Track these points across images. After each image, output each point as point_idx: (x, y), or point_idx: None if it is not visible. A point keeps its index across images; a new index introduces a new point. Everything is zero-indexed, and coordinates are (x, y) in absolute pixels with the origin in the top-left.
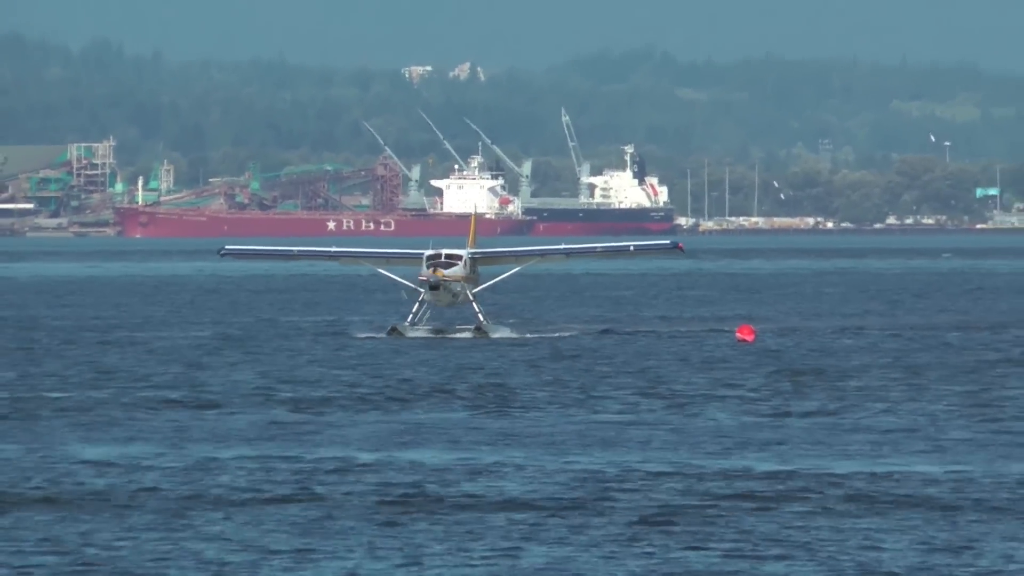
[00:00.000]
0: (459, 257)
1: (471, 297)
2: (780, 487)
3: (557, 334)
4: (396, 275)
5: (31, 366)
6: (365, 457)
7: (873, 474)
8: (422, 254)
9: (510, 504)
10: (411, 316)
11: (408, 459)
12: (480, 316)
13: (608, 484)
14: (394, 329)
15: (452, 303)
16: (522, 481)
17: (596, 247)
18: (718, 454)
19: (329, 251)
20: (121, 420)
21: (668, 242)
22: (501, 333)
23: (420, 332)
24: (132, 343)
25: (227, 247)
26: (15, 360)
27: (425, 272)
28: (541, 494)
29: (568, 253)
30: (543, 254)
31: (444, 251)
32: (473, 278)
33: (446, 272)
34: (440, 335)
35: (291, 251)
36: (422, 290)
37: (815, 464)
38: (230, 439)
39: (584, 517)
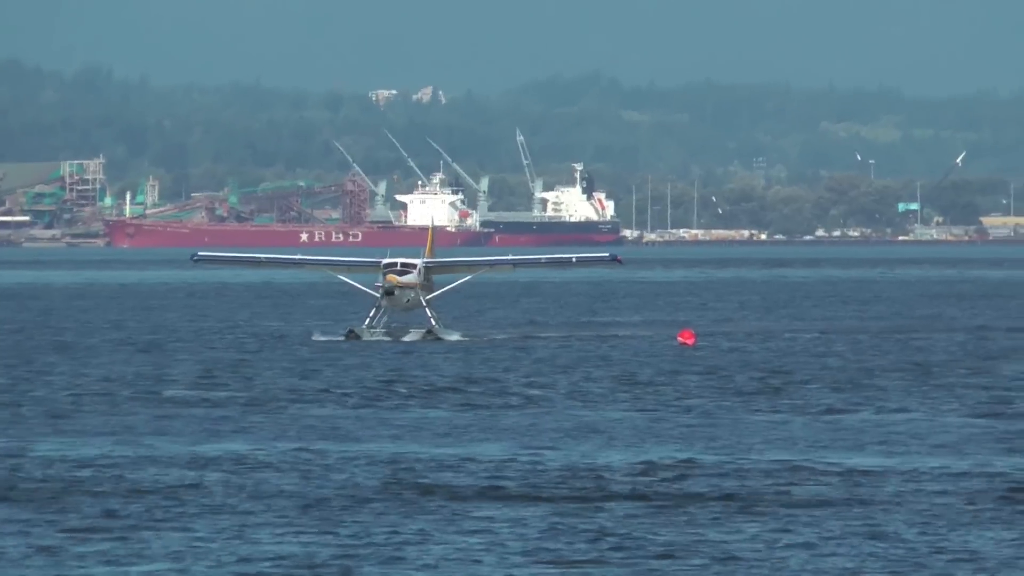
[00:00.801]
0: (413, 266)
1: (424, 303)
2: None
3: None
4: (355, 282)
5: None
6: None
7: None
8: (379, 262)
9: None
10: (368, 320)
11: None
12: (432, 320)
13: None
14: (352, 332)
15: (407, 308)
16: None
17: (541, 258)
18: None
19: (294, 259)
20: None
21: (607, 255)
22: (452, 336)
23: (377, 335)
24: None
25: (200, 253)
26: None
27: (381, 279)
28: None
29: (515, 264)
30: (492, 264)
31: (400, 260)
32: (427, 285)
33: (401, 279)
34: (394, 338)
35: (258, 258)
36: (378, 295)
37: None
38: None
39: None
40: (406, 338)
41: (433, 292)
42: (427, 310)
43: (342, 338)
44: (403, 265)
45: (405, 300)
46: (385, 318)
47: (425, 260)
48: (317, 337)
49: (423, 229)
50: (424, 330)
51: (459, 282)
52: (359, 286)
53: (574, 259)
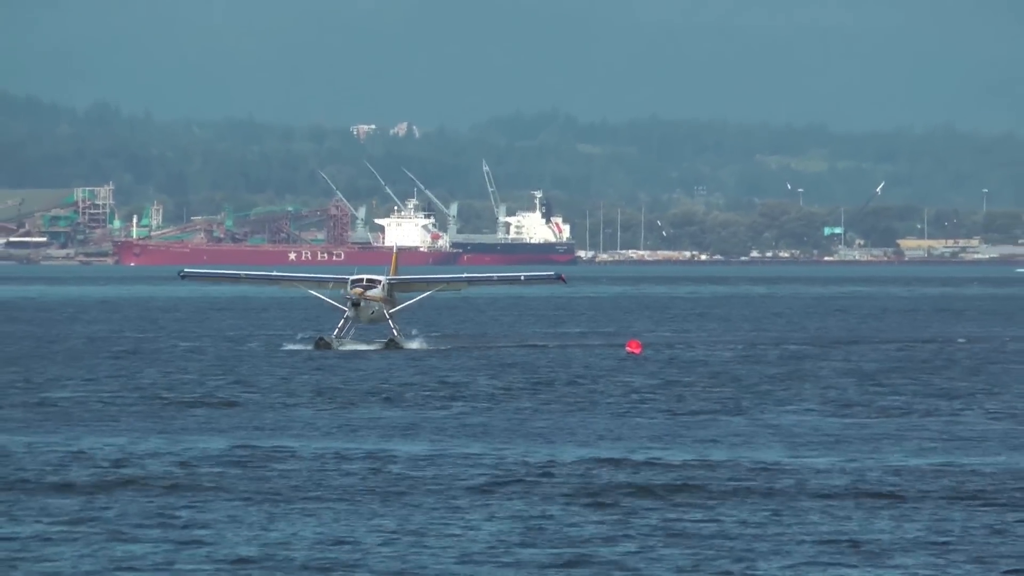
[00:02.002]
0: (378, 282)
1: (387, 316)
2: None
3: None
4: (326, 296)
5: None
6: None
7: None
8: (347, 279)
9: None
10: (337, 330)
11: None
12: (395, 331)
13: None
14: (322, 340)
15: (371, 319)
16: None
17: (493, 276)
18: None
19: (270, 275)
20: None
21: (552, 273)
22: (412, 345)
23: (346, 345)
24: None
25: (186, 270)
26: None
27: (349, 293)
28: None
29: (469, 281)
30: (448, 281)
31: (366, 276)
32: (390, 300)
33: (367, 293)
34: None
35: (239, 275)
36: (346, 308)
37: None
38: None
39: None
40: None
41: (396, 306)
42: (390, 322)
43: (311, 347)
44: (368, 281)
45: (370, 312)
46: (352, 329)
47: (389, 277)
48: (290, 346)
49: (400, 249)
50: (387, 340)
51: (419, 297)
52: (328, 300)
53: (522, 277)
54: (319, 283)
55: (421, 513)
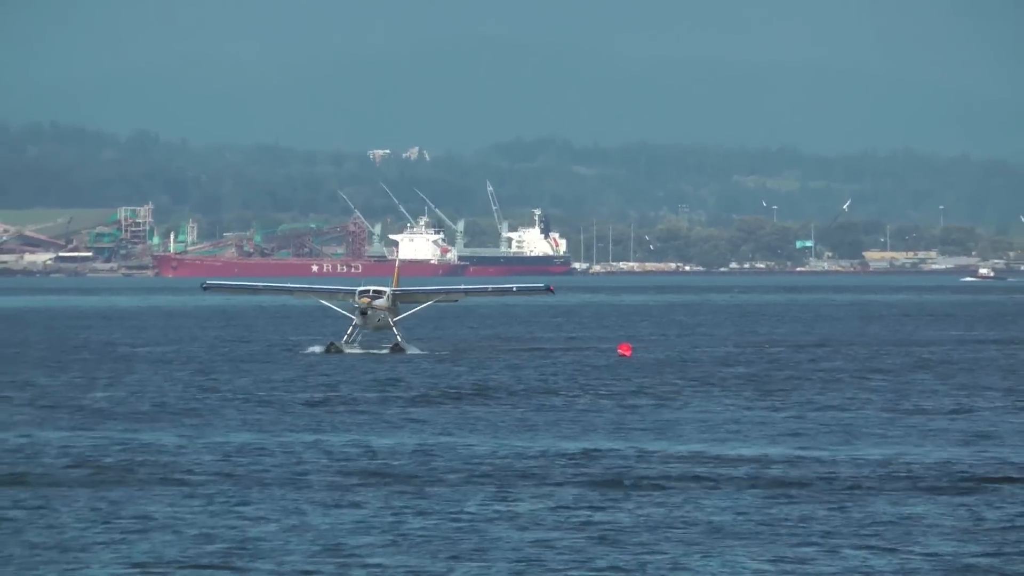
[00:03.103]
0: (384, 292)
1: (391, 323)
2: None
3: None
4: (336, 306)
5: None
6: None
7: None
8: (355, 290)
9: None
10: (346, 336)
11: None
12: (398, 338)
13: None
14: (332, 345)
15: (377, 327)
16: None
17: (487, 287)
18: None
19: (286, 287)
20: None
21: (542, 285)
22: (413, 350)
23: (354, 349)
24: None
25: (208, 283)
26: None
27: (357, 302)
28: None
29: (466, 292)
30: (447, 292)
31: (372, 288)
32: (394, 309)
33: (374, 302)
34: (368, 351)
35: (256, 286)
36: (354, 316)
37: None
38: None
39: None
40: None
41: (399, 315)
42: (394, 329)
43: (323, 351)
44: (375, 292)
45: (376, 320)
46: (360, 335)
47: (392, 288)
48: (312, 349)
49: (412, 262)
50: (391, 345)
51: (421, 307)
52: (338, 308)
53: (514, 288)
54: (330, 294)
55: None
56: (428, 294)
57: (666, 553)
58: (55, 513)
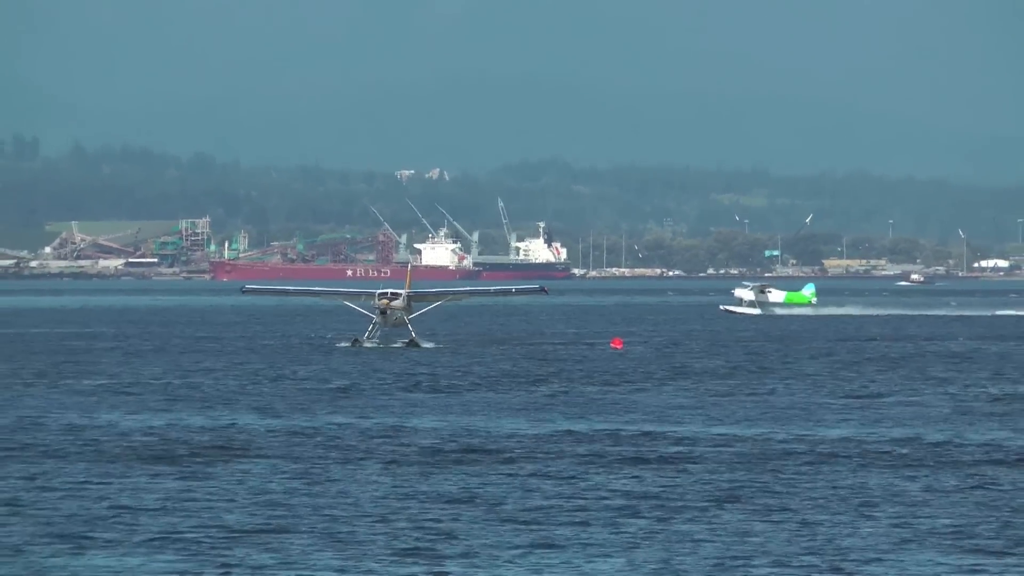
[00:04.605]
0: (400, 294)
1: (407, 321)
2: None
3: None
4: (358, 306)
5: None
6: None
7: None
8: (375, 292)
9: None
10: (367, 333)
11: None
12: (412, 333)
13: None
14: (356, 340)
15: (394, 324)
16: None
17: (490, 288)
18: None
19: (315, 289)
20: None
21: (538, 286)
22: (427, 344)
23: (373, 343)
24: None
25: (247, 286)
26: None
27: (377, 303)
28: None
29: (471, 293)
30: (454, 293)
31: (390, 290)
32: (409, 308)
33: (390, 303)
34: (384, 346)
35: (288, 289)
36: (374, 315)
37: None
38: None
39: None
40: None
41: (413, 313)
42: (409, 326)
43: (349, 345)
44: (392, 293)
45: (394, 318)
46: (379, 331)
47: (408, 290)
48: (342, 344)
49: (433, 268)
50: (407, 340)
51: (432, 306)
52: (360, 308)
53: (513, 290)
54: (353, 295)
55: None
56: (438, 294)
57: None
58: (256, 478)
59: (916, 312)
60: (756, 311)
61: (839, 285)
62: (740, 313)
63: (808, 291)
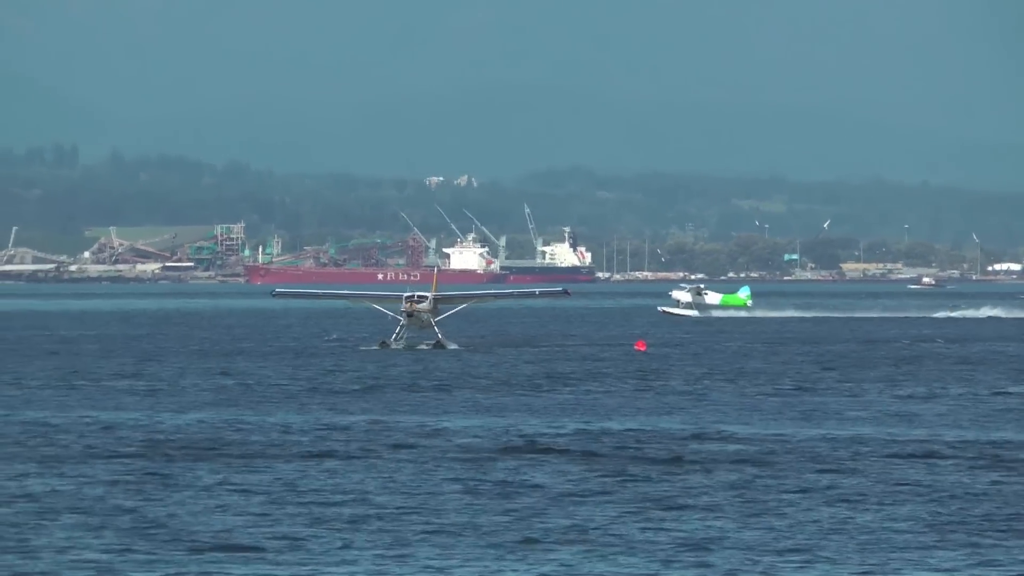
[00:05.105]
0: (426, 297)
1: (433, 323)
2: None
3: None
4: (386, 309)
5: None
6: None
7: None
8: (402, 295)
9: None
10: (394, 335)
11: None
12: (439, 335)
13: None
14: (383, 343)
15: (421, 326)
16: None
17: (513, 292)
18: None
19: (343, 293)
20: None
21: (561, 288)
22: (452, 346)
23: (400, 345)
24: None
25: (278, 290)
26: None
27: (404, 306)
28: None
29: (495, 296)
30: (479, 296)
31: (416, 293)
32: (435, 310)
33: (417, 306)
34: (412, 347)
35: (317, 293)
36: (401, 317)
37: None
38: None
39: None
40: (420, 347)
41: (439, 315)
42: (435, 328)
43: (377, 347)
44: (419, 297)
45: (420, 321)
46: (406, 333)
47: (433, 293)
48: (363, 347)
49: (461, 271)
50: (433, 342)
51: (457, 308)
52: (387, 311)
53: (537, 292)
54: (380, 298)
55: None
56: (463, 297)
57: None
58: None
59: (847, 315)
60: (693, 312)
61: (855, 288)
62: (677, 315)
63: (743, 293)
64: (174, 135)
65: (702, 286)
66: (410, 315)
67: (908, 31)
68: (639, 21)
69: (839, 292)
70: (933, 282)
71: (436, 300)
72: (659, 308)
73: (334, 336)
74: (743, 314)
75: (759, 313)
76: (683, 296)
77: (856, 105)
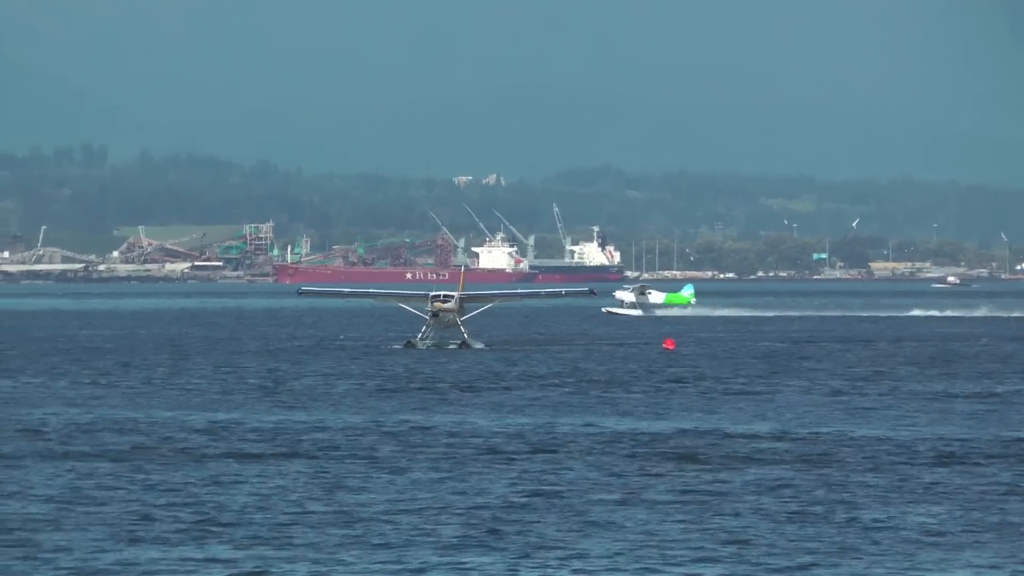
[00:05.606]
0: (452, 296)
1: (459, 322)
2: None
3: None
4: (411, 308)
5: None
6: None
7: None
8: (428, 294)
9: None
10: (420, 334)
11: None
12: (465, 335)
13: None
14: (409, 342)
15: (447, 325)
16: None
17: (540, 291)
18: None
19: (369, 292)
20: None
21: (587, 288)
22: (478, 345)
23: (427, 344)
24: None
25: (303, 288)
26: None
27: (430, 305)
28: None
29: (522, 295)
30: (506, 295)
31: (443, 292)
32: (461, 310)
33: (443, 305)
34: (438, 346)
35: (343, 291)
36: (427, 316)
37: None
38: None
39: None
40: (447, 347)
41: (466, 315)
42: (461, 327)
43: (402, 346)
44: (445, 296)
45: (447, 320)
46: (432, 332)
47: (460, 293)
48: (393, 346)
49: (490, 271)
50: (459, 342)
51: (484, 307)
52: (414, 310)
53: (563, 292)
54: (406, 297)
55: None
56: (490, 297)
57: None
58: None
59: (802, 313)
60: (637, 312)
61: (883, 288)
62: (621, 314)
63: (687, 292)
64: (202, 135)
65: (646, 286)
66: (436, 314)
67: (937, 30)
68: (668, 22)
69: (857, 291)
70: (958, 281)
71: (462, 299)
72: (603, 308)
73: (341, 337)
74: (687, 312)
75: (702, 311)
76: (627, 296)
77: (885, 105)
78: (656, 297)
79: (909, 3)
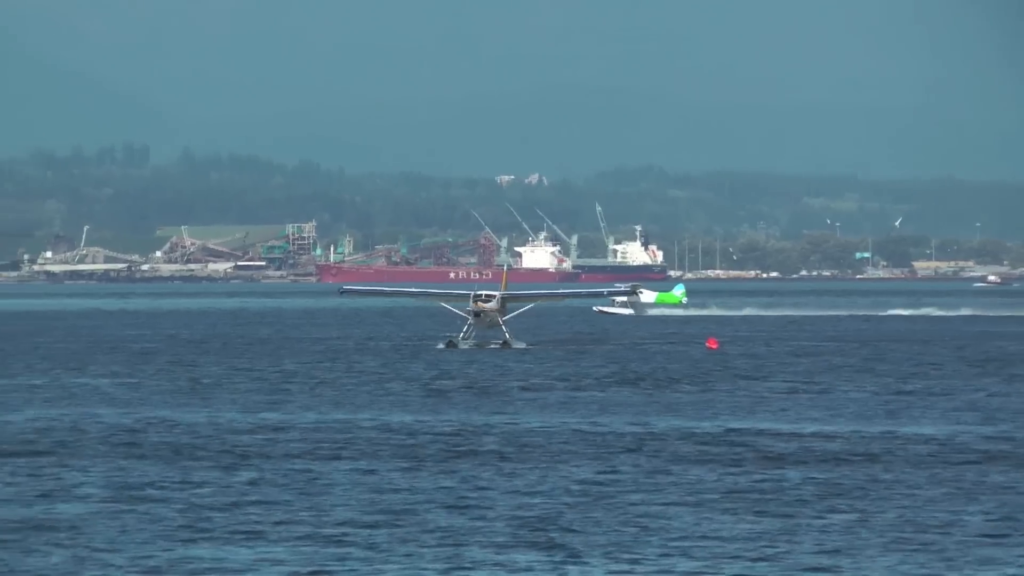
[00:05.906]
0: (494, 296)
1: (500, 322)
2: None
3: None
4: (452, 307)
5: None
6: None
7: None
8: (470, 293)
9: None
10: (462, 333)
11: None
12: (506, 334)
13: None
14: (451, 342)
15: (489, 325)
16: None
17: (582, 291)
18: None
19: (411, 291)
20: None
21: (630, 287)
22: (520, 345)
23: (469, 344)
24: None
25: (345, 287)
26: None
27: (472, 305)
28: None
29: (564, 295)
30: (548, 295)
31: (484, 292)
32: (502, 309)
33: (484, 305)
34: (480, 346)
35: (385, 290)
36: (468, 316)
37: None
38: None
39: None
40: (488, 346)
41: (507, 315)
42: (503, 327)
43: (443, 346)
44: (487, 296)
45: (488, 320)
46: (474, 332)
47: (502, 292)
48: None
49: (533, 271)
50: (501, 342)
51: (526, 307)
52: (455, 310)
53: (605, 292)
54: (448, 297)
55: None
56: (532, 296)
57: None
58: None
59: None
60: (629, 311)
61: (925, 287)
62: (613, 313)
63: (679, 291)
64: (244, 135)
65: (637, 285)
66: (477, 314)
67: (982, 30)
68: (710, 22)
69: (851, 291)
70: (999, 280)
71: (504, 299)
72: (595, 308)
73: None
74: (678, 312)
75: (693, 311)
76: (618, 296)
77: (928, 103)
78: (648, 296)
79: (954, 2)
